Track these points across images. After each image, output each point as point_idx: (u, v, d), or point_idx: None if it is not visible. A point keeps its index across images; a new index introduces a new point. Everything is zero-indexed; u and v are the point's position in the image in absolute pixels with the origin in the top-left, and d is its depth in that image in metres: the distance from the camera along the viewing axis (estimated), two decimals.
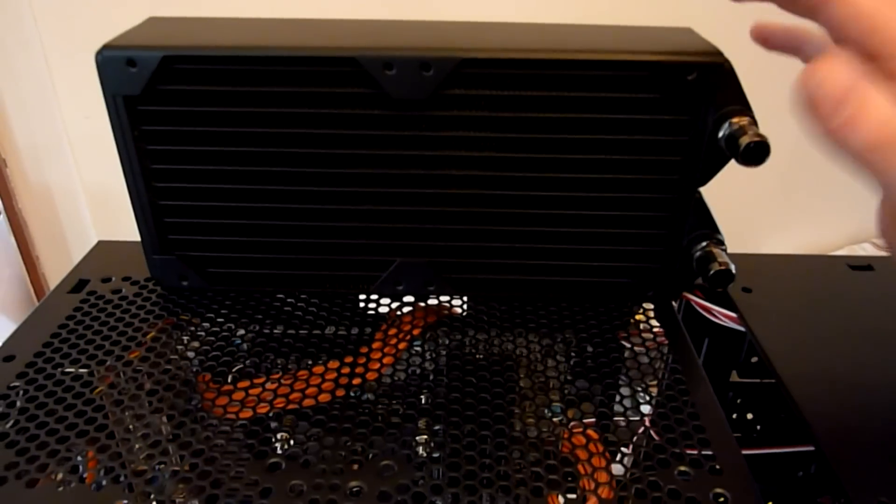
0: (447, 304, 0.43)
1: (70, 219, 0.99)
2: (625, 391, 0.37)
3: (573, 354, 0.40)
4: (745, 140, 0.33)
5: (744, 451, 0.44)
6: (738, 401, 0.48)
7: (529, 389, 0.36)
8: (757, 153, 0.33)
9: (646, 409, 0.36)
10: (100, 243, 0.49)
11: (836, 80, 0.23)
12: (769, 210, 1.32)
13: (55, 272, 1.01)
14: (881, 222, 0.27)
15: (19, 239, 0.96)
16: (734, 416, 0.49)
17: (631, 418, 0.35)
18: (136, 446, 0.33)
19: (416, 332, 0.40)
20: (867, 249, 1.55)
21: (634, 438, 0.34)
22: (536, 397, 0.36)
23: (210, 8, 0.86)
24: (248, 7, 0.86)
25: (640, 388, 0.37)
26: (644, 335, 0.40)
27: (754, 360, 0.47)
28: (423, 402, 0.36)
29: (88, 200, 0.97)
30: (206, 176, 0.39)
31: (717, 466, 0.31)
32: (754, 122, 0.35)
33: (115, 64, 0.36)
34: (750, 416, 0.49)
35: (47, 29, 0.86)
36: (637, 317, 0.42)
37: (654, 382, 0.37)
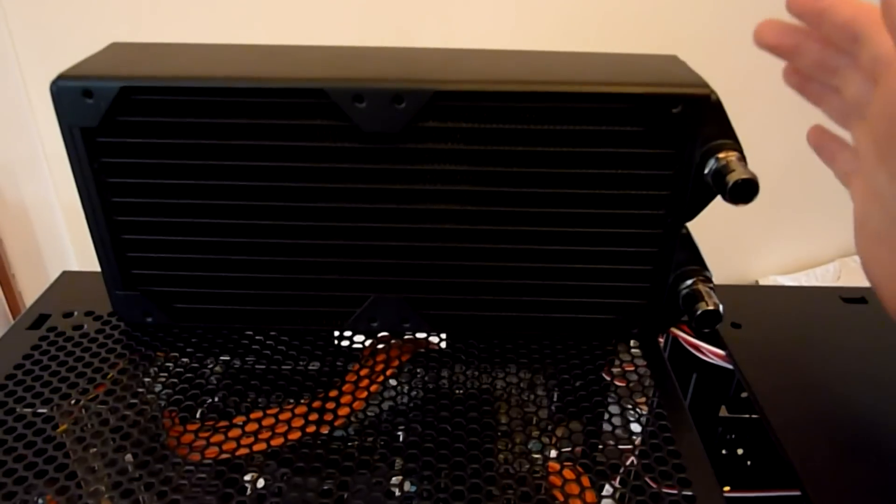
0: (424, 339, 0.41)
1: (47, 236, 0.97)
2: (607, 428, 0.35)
3: (556, 391, 0.38)
4: (732, 178, 0.32)
5: (729, 494, 0.43)
6: (728, 436, 0.47)
7: (511, 425, 0.35)
8: (745, 191, 0.32)
9: (628, 446, 0.34)
10: (63, 274, 0.47)
11: None
12: (758, 224, 1.31)
13: (31, 289, 0.99)
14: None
15: None
16: (724, 451, 0.47)
17: (612, 456, 0.34)
18: (98, 487, 0.32)
19: (389, 371, 0.39)
20: (858, 262, 1.54)
21: (619, 474, 0.32)
22: (519, 433, 0.34)
23: (188, 28, 0.85)
24: (223, 28, 0.85)
25: (622, 426, 0.35)
26: (628, 372, 0.39)
27: (744, 395, 0.45)
28: (400, 438, 0.35)
29: (65, 217, 0.95)
30: (170, 209, 0.37)
31: None
32: (742, 158, 0.33)
33: (71, 94, 0.34)
34: (740, 451, 0.47)
35: (23, 43, 0.85)
36: (621, 354, 0.40)
37: (638, 420, 0.36)
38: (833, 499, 0.32)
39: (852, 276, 1.50)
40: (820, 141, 0.36)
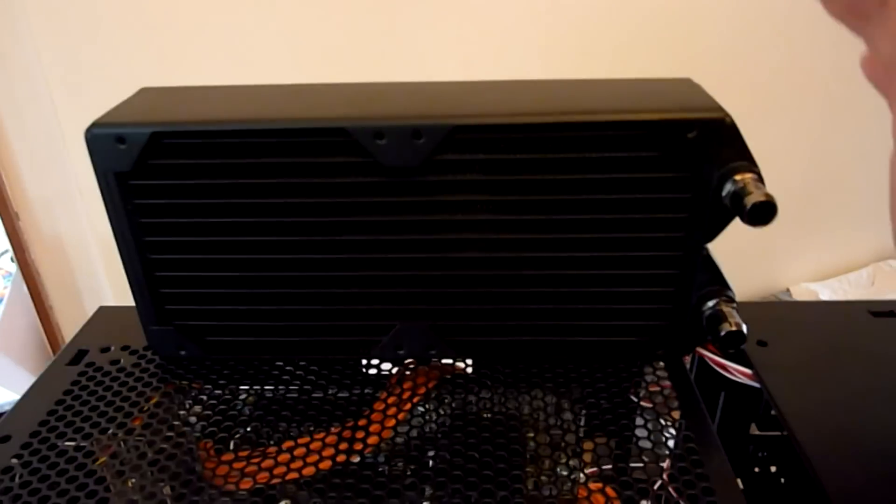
0: (450, 365, 0.42)
1: (82, 268, 1.00)
2: (635, 450, 0.35)
3: (583, 413, 0.39)
4: (750, 200, 0.32)
5: None
6: (760, 454, 0.46)
7: (540, 449, 0.35)
8: (763, 213, 0.32)
9: (657, 467, 0.34)
10: (101, 309, 0.49)
11: None
12: (789, 231, 1.29)
13: (69, 321, 1.02)
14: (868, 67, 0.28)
15: (32, 289, 0.97)
16: (756, 469, 0.47)
17: (644, 477, 0.34)
18: None
19: (416, 398, 0.39)
20: (893, 266, 1.51)
21: (649, 499, 0.32)
22: (547, 457, 0.35)
23: (210, 65, 0.87)
24: (243, 64, 0.87)
25: (650, 448, 0.35)
26: (653, 394, 0.39)
27: (773, 412, 0.45)
28: (429, 465, 0.36)
29: (100, 250, 0.98)
30: (201, 247, 0.38)
31: None
32: (760, 179, 0.33)
33: (104, 141, 0.35)
34: (773, 469, 0.47)
35: (57, 83, 0.88)
36: (647, 375, 0.40)
37: (666, 442, 0.36)
38: None
39: (887, 281, 1.47)
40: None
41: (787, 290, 1.45)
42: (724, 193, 0.34)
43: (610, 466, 0.35)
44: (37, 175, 0.93)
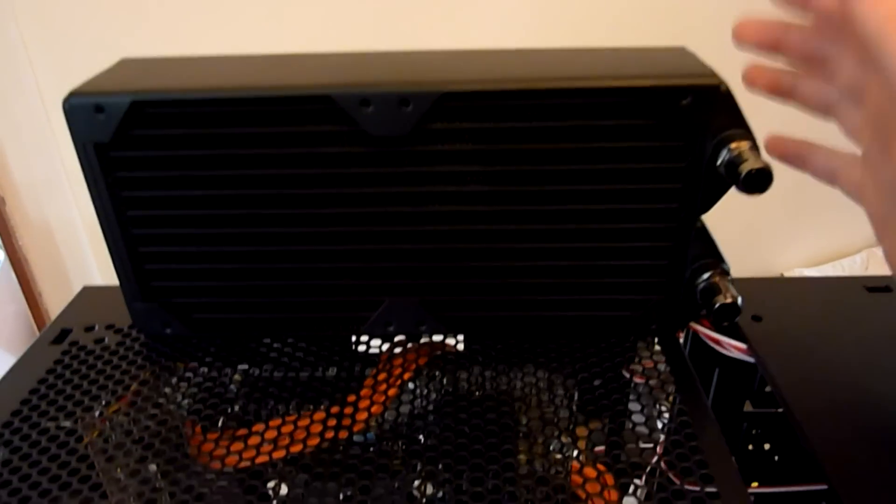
0: (441, 342, 0.41)
1: (71, 253, 0.98)
2: (629, 425, 0.35)
3: (575, 389, 0.38)
4: (745, 167, 0.31)
5: (758, 490, 0.42)
6: (754, 431, 0.46)
7: (532, 425, 0.35)
8: (758, 181, 0.31)
9: (650, 443, 0.34)
10: (85, 289, 0.48)
11: None
12: (783, 216, 1.29)
13: (58, 307, 1.01)
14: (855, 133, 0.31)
15: (20, 275, 0.96)
16: (750, 447, 0.46)
17: (632, 454, 0.33)
18: (123, 498, 0.32)
19: (407, 375, 0.39)
20: None
21: (645, 473, 0.32)
22: (539, 433, 0.34)
23: (205, 43, 0.86)
24: (227, 38, 0.86)
25: (643, 423, 0.35)
26: (647, 369, 0.38)
27: (768, 389, 0.44)
28: (420, 442, 0.35)
29: (88, 234, 0.97)
30: (185, 221, 0.38)
31: None
32: (755, 147, 0.33)
33: (83, 111, 0.34)
34: (767, 446, 0.46)
35: (41, 66, 0.86)
36: (640, 351, 0.40)
37: (659, 416, 0.35)
38: (860, 491, 0.31)
39: (881, 266, 1.47)
40: (784, 149, 0.35)
41: (781, 276, 1.45)
42: (718, 162, 0.33)
43: (602, 443, 0.34)
44: (23, 160, 0.91)
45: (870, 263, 1.47)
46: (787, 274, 1.45)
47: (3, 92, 0.87)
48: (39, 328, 0.99)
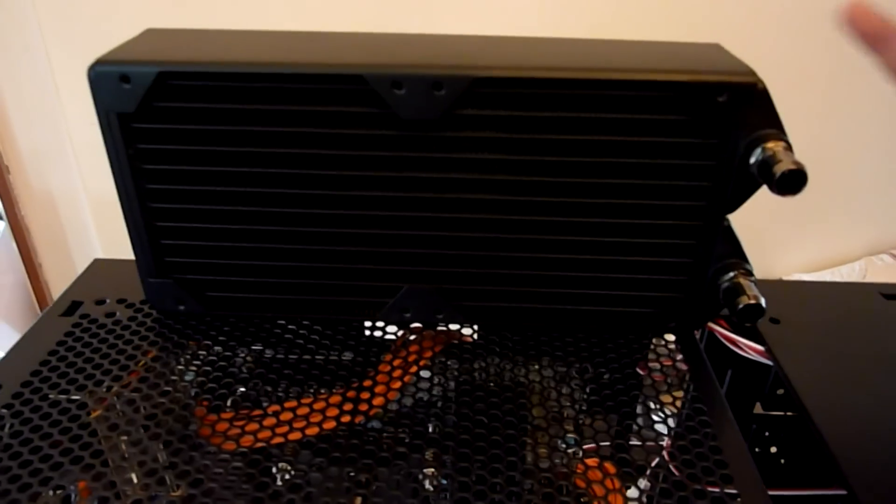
0: (457, 331, 0.41)
1: (73, 226, 0.97)
2: (643, 423, 0.35)
3: (589, 385, 0.38)
4: (780, 168, 0.31)
5: (770, 493, 0.42)
6: (763, 434, 0.46)
7: (543, 420, 0.35)
8: (793, 182, 0.31)
9: (664, 442, 0.34)
10: (95, 261, 0.47)
11: None
12: (782, 221, 1.29)
13: (58, 280, 1.00)
14: None
15: (21, 246, 0.95)
16: (757, 449, 0.46)
17: (649, 451, 0.33)
18: (132, 475, 0.32)
19: (422, 362, 0.38)
20: (885, 261, 1.51)
21: (650, 472, 0.32)
22: (550, 428, 0.34)
23: (214, 18, 0.85)
24: (253, 16, 0.85)
25: (659, 421, 0.35)
26: (665, 367, 0.38)
27: (780, 392, 0.44)
28: (430, 430, 0.35)
29: (91, 207, 0.96)
30: (205, 196, 0.37)
31: None
32: (789, 148, 0.32)
33: (108, 79, 0.34)
34: (774, 449, 0.46)
35: (51, 34, 0.85)
36: (658, 348, 0.40)
37: (674, 415, 0.35)
38: (880, 495, 0.31)
39: (879, 274, 1.48)
40: (867, 23, 0.29)
41: (780, 280, 1.45)
42: (752, 161, 0.33)
43: (614, 439, 0.34)
44: (28, 128, 0.90)
45: (868, 272, 1.48)
46: (786, 279, 1.46)
47: (11, 60, 0.86)
48: (39, 299, 0.98)
